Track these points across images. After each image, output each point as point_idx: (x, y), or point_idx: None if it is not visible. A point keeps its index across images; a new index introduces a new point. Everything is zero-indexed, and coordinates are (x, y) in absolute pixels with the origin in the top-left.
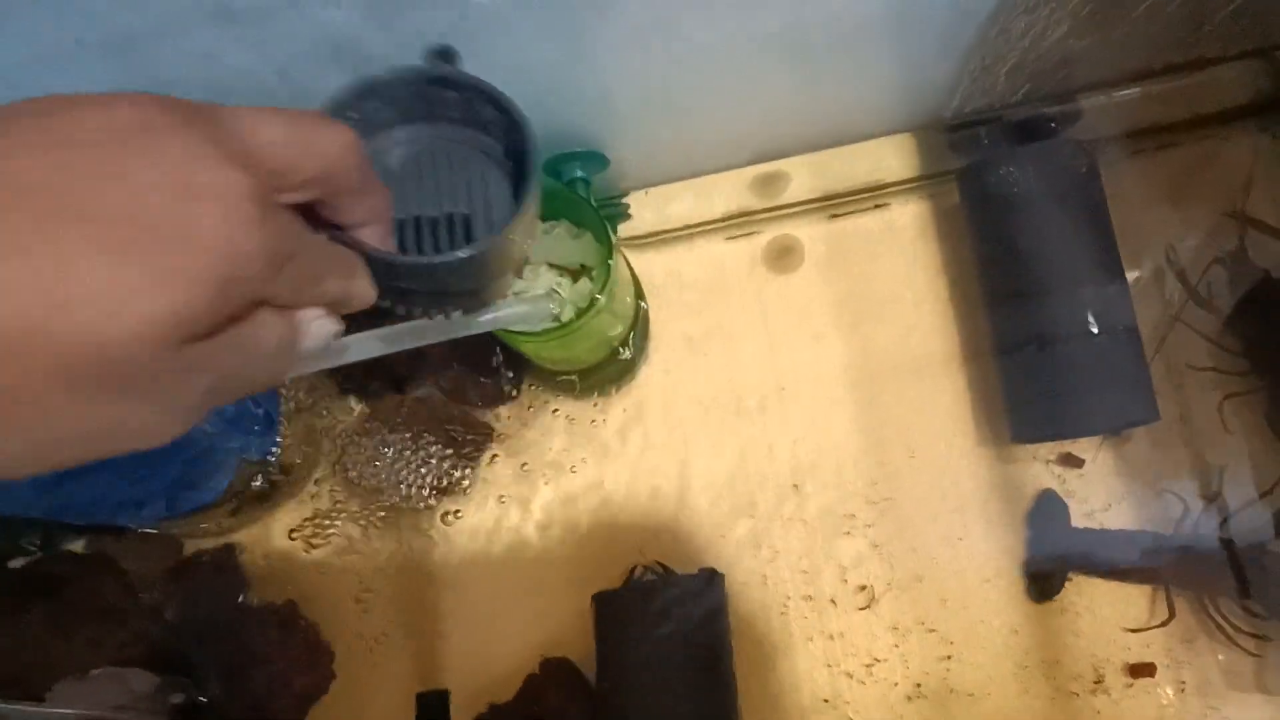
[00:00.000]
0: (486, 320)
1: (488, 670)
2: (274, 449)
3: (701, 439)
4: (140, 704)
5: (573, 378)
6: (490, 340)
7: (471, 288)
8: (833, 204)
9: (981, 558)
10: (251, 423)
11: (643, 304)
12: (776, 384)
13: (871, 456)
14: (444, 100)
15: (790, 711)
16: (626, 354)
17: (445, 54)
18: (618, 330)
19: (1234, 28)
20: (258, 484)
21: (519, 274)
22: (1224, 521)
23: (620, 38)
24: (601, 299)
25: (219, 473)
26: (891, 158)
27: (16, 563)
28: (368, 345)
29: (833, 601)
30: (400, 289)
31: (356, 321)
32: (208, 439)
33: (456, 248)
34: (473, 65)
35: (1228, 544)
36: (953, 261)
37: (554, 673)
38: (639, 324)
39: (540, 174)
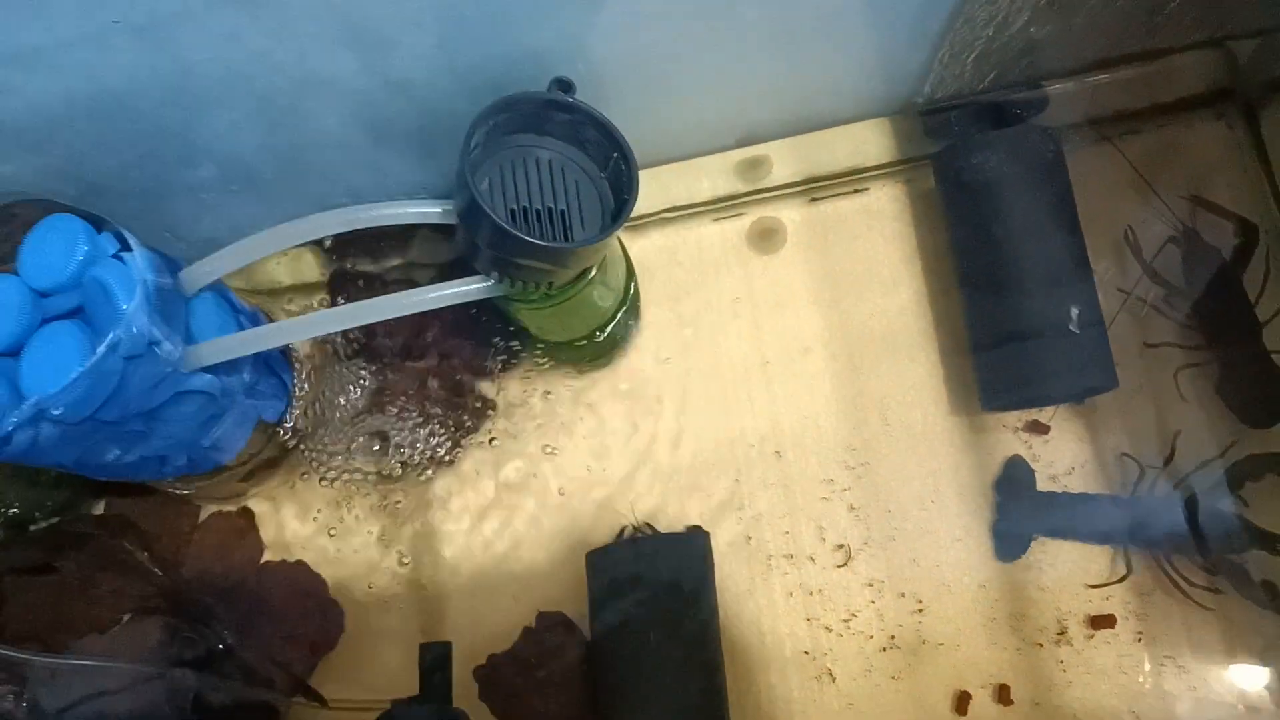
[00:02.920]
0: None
1: (486, 626)
2: (288, 413)
3: (688, 409)
4: (159, 654)
5: (568, 351)
6: (493, 315)
7: (555, 268)
8: (813, 187)
9: (952, 519)
10: (269, 386)
11: (634, 282)
12: (760, 358)
13: (849, 425)
14: (555, 120)
15: (772, 661)
16: (618, 329)
17: (564, 84)
18: (609, 304)
19: (1185, 18)
20: (269, 449)
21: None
22: (1178, 484)
23: (609, 23)
24: (593, 270)
25: (238, 433)
26: (870, 142)
27: (37, 527)
28: (373, 311)
29: (812, 559)
30: (497, 256)
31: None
32: (230, 399)
33: (555, 236)
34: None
35: (1189, 504)
36: (928, 242)
37: (550, 625)
38: (630, 300)
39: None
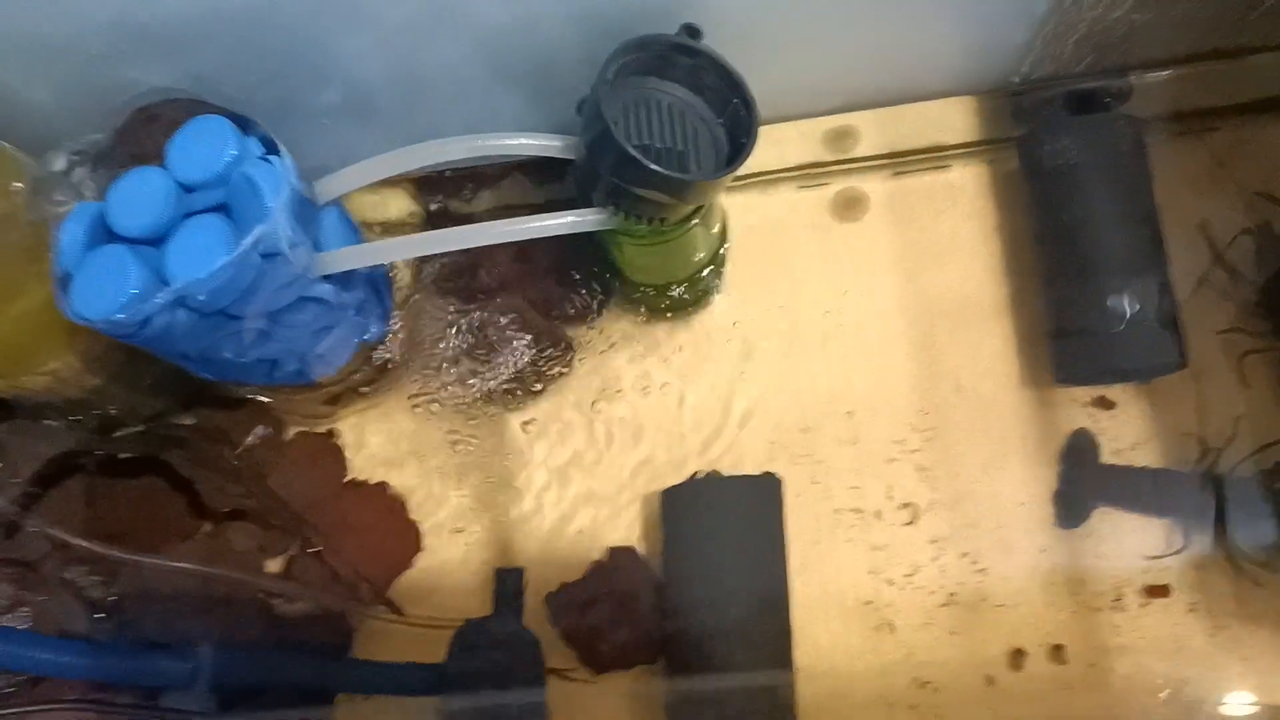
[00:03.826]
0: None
1: (557, 558)
2: (386, 336)
3: (763, 365)
4: (243, 560)
5: (656, 298)
6: (586, 259)
7: (673, 200)
8: (898, 161)
9: (1017, 484)
10: (374, 307)
11: (726, 237)
12: (837, 321)
13: (921, 390)
14: (679, 65)
15: (833, 608)
16: (706, 280)
17: (692, 30)
18: (704, 253)
19: (1277, 18)
20: (363, 371)
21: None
22: (1237, 465)
23: None
24: (702, 210)
25: (343, 348)
26: (955, 120)
27: (126, 431)
28: (492, 234)
29: (878, 515)
30: (617, 186)
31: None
32: (343, 312)
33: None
34: None
35: (1216, 484)
36: (1008, 222)
37: (621, 560)
38: (718, 256)
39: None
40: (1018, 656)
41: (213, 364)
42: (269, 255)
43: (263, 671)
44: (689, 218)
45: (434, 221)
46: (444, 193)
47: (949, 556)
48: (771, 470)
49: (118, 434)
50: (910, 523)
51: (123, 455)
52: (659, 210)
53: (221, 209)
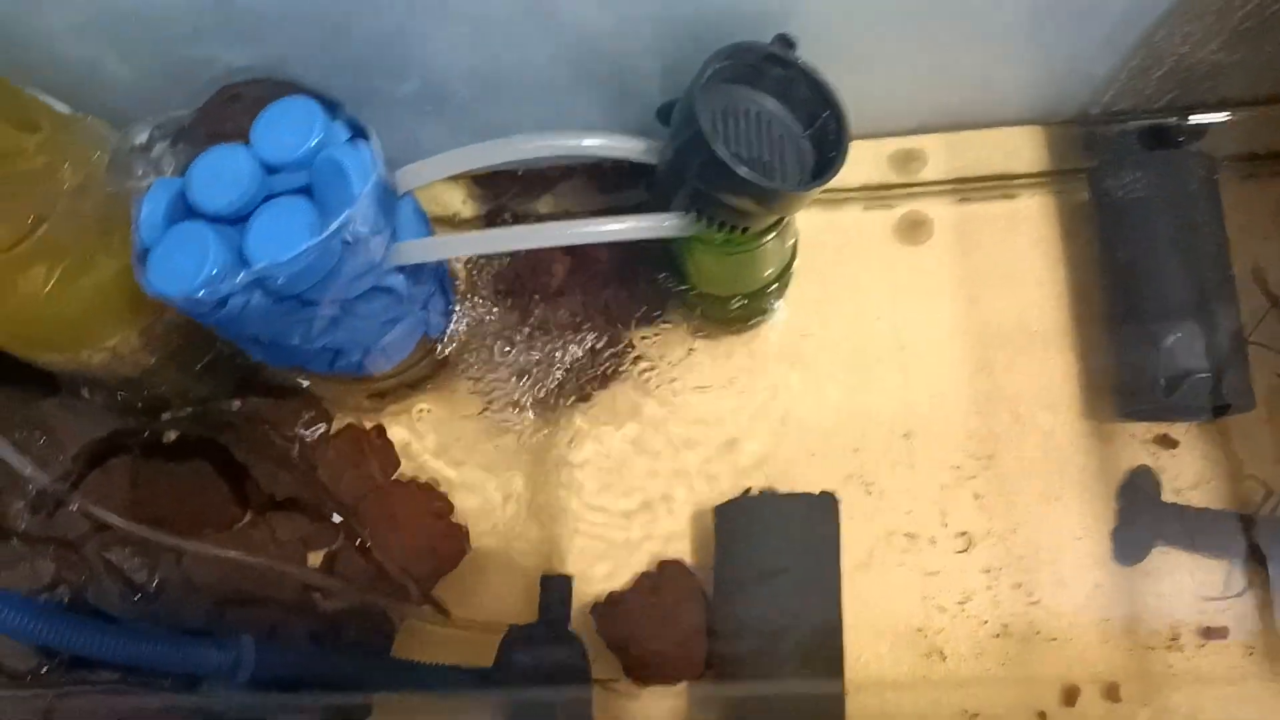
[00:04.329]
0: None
1: (604, 567)
2: (445, 333)
3: (821, 383)
4: (286, 552)
5: (720, 308)
6: (650, 265)
7: (758, 210)
8: (964, 187)
9: (1074, 518)
10: (438, 303)
11: (796, 254)
12: (897, 343)
13: (980, 417)
14: (770, 75)
15: (884, 633)
16: (771, 295)
17: (787, 41)
18: (771, 270)
19: None
20: (419, 368)
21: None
22: None
23: None
24: (782, 224)
25: (405, 342)
26: (1025, 149)
27: (172, 414)
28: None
29: (932, 541)
30: (702, 192)
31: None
32: (411, 305)
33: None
34: None
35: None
36: (1074, 252)
37: (670, 573)
38: (786, 273)
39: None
40: (1071, 693)
41: (278, 349)
42: (349, 242)
43: (304, 666)
44: (767, 230)
45: (489, 221)
46: (501, 192)
47: (1002, 587)
48: (824, 488)
49: (163, 417)
50: (964, 550)
51: (170, 438)
52: (742, 219)
53: (304, 192)
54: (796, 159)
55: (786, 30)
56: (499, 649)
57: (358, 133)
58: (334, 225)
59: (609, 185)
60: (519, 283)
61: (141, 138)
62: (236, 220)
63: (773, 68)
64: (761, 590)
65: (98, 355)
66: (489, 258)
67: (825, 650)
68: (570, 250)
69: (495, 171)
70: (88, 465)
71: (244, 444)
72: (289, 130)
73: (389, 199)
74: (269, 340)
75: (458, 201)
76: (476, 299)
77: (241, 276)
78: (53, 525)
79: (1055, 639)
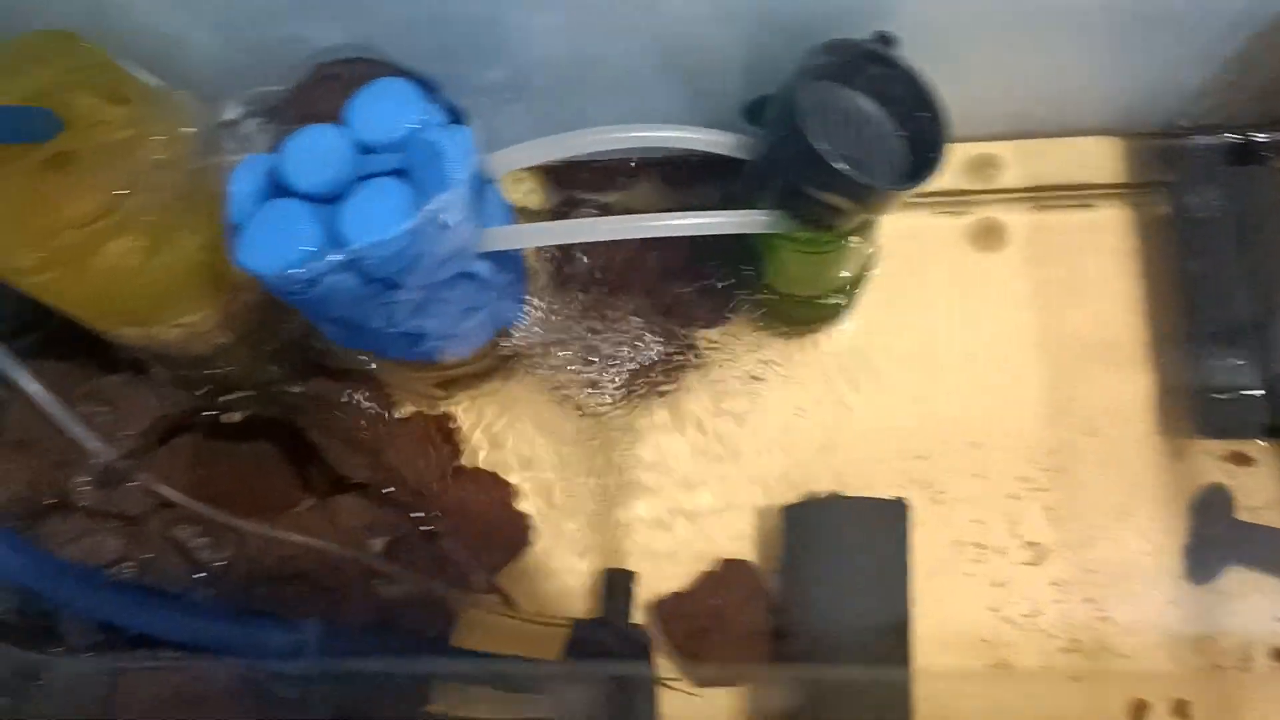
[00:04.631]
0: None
1: (666, 565)
2: (518, 324)
3: (891, 389)
4: (349, 537)
5: (791, 309)
6: (715, 261)
7: (852, 208)
8: (1041, 195)
9: (1145, 534)
10: (515, 293)
11: (873, 264)
12: (968, 351)
13: (1052, 428)
14: (867, 72)
15: (951, 644)
16: (845, 297)
17: (887, 39)
18: (848, 273)
19: None
20: (488, 359)
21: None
22: None
23: None
24: (871, 224)
25: (482, 330)
26: (1104, 159)
27: (234, 395)
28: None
29: (1001, 552)
30: (794, 188)
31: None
32: (491, 293)
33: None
34: None
35: None
36: (1152, 266)
37: (734, 572)
38: (863, 276)
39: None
40: (1140, 710)
41: (358, 332)
42: (443, 226)
43: (367, 652)
44: (853, 231)
45: (557, 213)
46: (572, 185)
47: (1072, 601)
48: (891, 494)
49: (226, 397)
50: (1033, 563)
51: (234, 419)
52: (832, 217)
53: (398, 174)
54: (889, 159)
55: (884, 28)
56: (565, 642)
57: (454, 117)
58: (432, 208)
59: (678, 181)
60: (590, 276)
61: (232, 113)
62: (329, 200)
63: (871, 66)
64: (829, 595)
65: (173, 331)
66: (562, 250)
67: (893, 659)
68: (642, 245)
69: (567, 164)
70: (153, 442)
71: (318, 427)
72: (386, 111)
73: (480, 184)
74: (351, 322)
75: (523, 192)
76: (547, 291)
77: (336, 256)
78: (117, 501)
79: (1125, 655)
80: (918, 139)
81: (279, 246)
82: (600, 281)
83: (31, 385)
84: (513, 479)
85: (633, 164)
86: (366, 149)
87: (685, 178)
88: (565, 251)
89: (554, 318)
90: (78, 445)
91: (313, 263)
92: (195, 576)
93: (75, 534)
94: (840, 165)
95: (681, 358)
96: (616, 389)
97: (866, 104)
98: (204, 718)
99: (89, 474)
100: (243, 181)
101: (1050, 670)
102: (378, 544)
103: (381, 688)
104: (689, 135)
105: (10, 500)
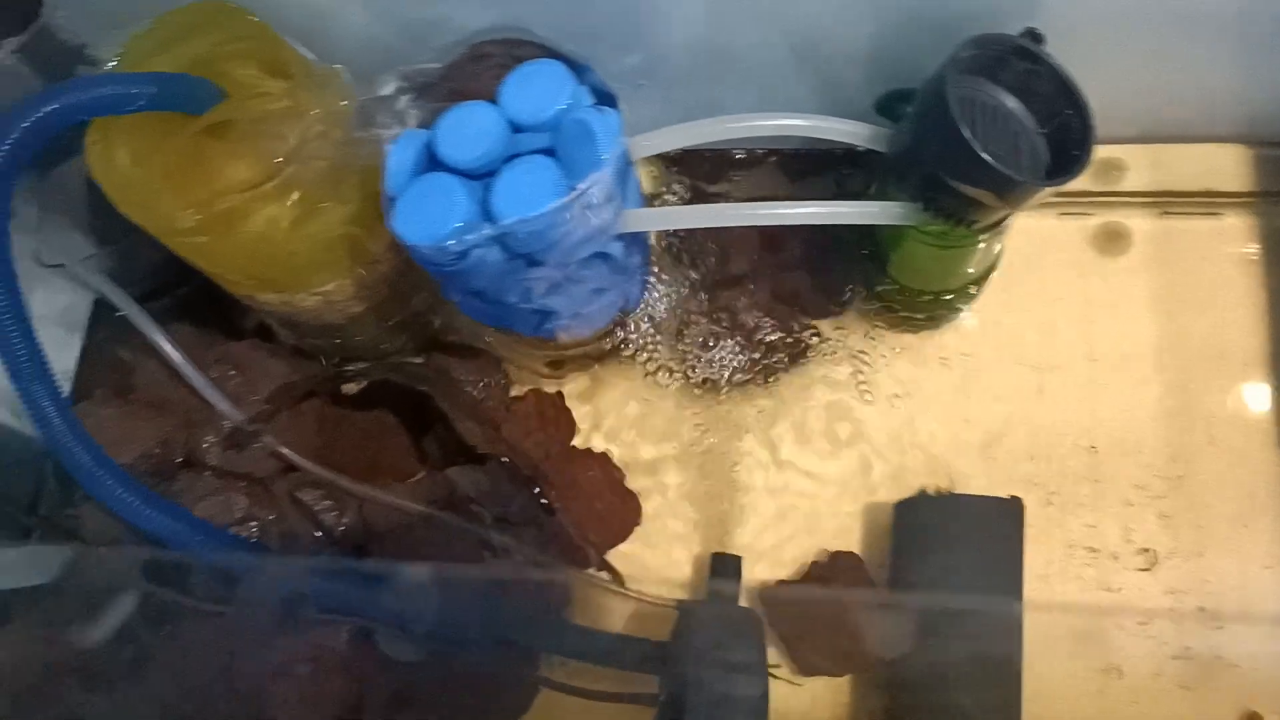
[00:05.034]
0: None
1: (773, 553)
2: (639, 306)
3: (1006, 389)
4: (467, 508)
5: (911, 303)
6: (834, 252)
7: (996, 201)
8: (1166, 201)
9: (1264, 546)
10: (639, 276)
11: (999, 264)
12: (1087, 354)
13: (1171, 435)
14: (1012, 68)
15: (1060, 644)
16: (966, 295)
17: (1035, 35)
18: (974, 271)
19: None
20: (606, 339)
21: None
22: None
23: None
24: (1007, 220)
25: (606, 311)
26: (1233, 167)
27: (356, 366)
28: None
29: (1114, 558)
30: (935, 179)
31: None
32: (620, 275)
33: None
34: None
35: None
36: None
37: (842, 565)
38: (987, 276)
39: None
40: None
41: (493, 306)
42: (589, 206)
43: (480, 623)
44: (988, 228)
45: (677, 200)
46: (688, 173)
47: (1185, 608)
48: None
49: (349, 366)
50: (1147, 569)
51: (354, 388)
52: (971, 212)
53: (548, 153)
54: (1030, 156)
55: (1031, 24)
56: (673, 623)
57: (603, 99)
58: (583, 186)
59: (792, 172)
60: (707, 262)
61: (388, 89)
62: (480, 175)
63: (1018, 61)
64: (940, 593)
65: (311, 299)
66: (683, 235)
67: (1006, 661)
68: (762, 232)
69: (686, 151)
70: (278, 407)
71: (442, 397)
72: (537, 92)
73: (623, 166)
74: (488, 296)
75: (644, 177)
76: (665, 275)
77: (487, 230)
78: (243, 462)
79: (1238, 665)
80: (1059, 137)
81: (433, 219)
82: (719, 267)
83: (168, 348)
84: (623, 461)
85: (751, 153)
86: (518, 127)
87: (800, 169)
88: (687, 236)
89: (671, 301)
90: (208, 407)
91: (464, 236)
92: (317, 538)
93: (205, 492)
94: (988, 157)
95: (796, 347)
96: (729, 375)
97: (1010, 100)
98: (325, 674)
99: (218, 435)
100: (400, 155)
101: (1160, 677)
102: (491, 516)
103: (493, 657)
104: (828, 125)
105: (142, 457)
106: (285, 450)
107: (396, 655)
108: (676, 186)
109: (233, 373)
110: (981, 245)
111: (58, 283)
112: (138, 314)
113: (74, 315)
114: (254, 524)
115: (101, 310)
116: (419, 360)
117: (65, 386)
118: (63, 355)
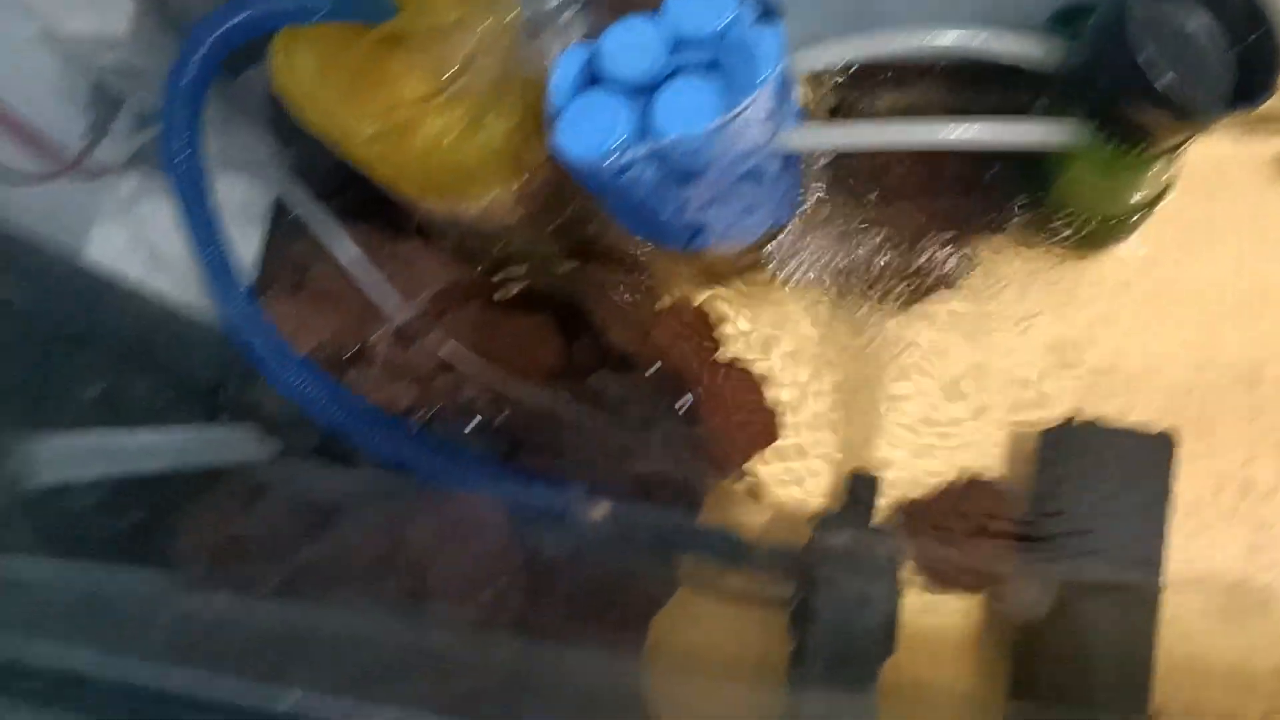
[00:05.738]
0: None
1: (911, 470)
2: (788, 225)
3: (1166, 321)
4: (614, 409)
5: (1071, 227)
6: (993, 171)
7: (1175, 126)
8: None
9: None
10: (793, 192)
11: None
12: (1260, 288)
13: None
14: None
15: (1204, 582)
16: (1131, 224)
17: None
18: (1141, 197)
19: None
20: (754, 254)
21: None
22: None
23: None
24: (1181, 147)
25: (758, 228)
26: None
27: (508, 273)
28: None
29: (1269, 494)
30: (1110, 100)
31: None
32: (773, 192)
33: None
34: None
35: None
36: None
37: (978, 489)
38: (1155, 202)
39: None
40: None
41: (647, 220)
42: (749, 123)
43: (625, 521)
44: (1163, 152)
45: (830, 115)
46: (841, 89)
47: None
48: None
49: (506, 271)
50: None
51: (509, 292)
52: (1146, 135)
53: (711, 68)
54: (1215, 77)
55: None
56: (811, 532)
57: (766, 12)
58: (744, 105)
59: (955, 87)
60: (862, 181)
61: (553, 2)
62: (642, 91)
63: None
64: (1082, 522)
65: (473, 207)
66: (838, 153)
67: (1143, 600)
68: (916, 152)
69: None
70: (441, 306)
71: (597, 305)
72: (702, 6)
73: (783, 84)
74: (643, 210)
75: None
76: (816, 193)
77: (647, 146)
78: (409, 357)
79: None
80: (1248, 58)
81: (594, 134)
82: (874, 185)
83: (344, 246)
84: (766, 375)
85: (908, 68)
86: (680, 42)
87: (963, 83)
88: (842, 154)
89: (819, 219)
90: (376, 303)
91: (624, 152)
92: (474, 432)
93: (376, 384)
94: (1166, 83)
95: (945, 266)
96: (876, 293)
97: (1199, 18)
98: (481, 557)
99: (386, 331)
100: (563, 70)
101: None
102: (637, 420)
103: (634, 555)
104: (1002, 42)
105: (317, 348)
106: (450, 347)
107: (546, 547)
108: (830, 98)
109: (399, 273)
110: (1154, 170)
111: (242, 180)
112: (315, 213)
113: (254, 210)
114: (417, 415)
115: (280, 208)
116: (572, 267)
117: (247, 280)
118: (245, 250)
